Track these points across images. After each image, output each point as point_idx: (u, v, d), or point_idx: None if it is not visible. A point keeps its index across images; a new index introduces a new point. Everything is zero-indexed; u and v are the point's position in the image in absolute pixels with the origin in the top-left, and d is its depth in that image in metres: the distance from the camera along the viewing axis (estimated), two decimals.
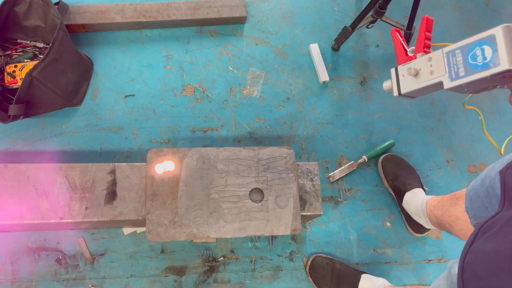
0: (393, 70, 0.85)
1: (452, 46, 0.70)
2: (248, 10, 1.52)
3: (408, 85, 0.80)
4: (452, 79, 0.69)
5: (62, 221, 1.01)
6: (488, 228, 0.52)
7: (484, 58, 0.63)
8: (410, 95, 0.83)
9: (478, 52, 0.64)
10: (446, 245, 1.31)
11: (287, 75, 1.46)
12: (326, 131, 1.39)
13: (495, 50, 0.62)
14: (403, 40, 0.85)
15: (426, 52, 0.79)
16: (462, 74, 0.67)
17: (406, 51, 0.83)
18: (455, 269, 0.60)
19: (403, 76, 0.81)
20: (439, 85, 0.73)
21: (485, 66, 0.63)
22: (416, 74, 0.77)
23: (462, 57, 0.67)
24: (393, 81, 0.84)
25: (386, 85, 0.88)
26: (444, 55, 0.71)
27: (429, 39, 0.79)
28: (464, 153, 1.44)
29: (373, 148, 1.37)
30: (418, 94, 0.81)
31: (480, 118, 0.83)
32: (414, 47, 0.82)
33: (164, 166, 1.04)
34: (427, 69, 0.75)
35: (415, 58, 0.80)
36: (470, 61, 0.65)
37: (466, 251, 0.52)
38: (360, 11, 1.33)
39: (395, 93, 0.84)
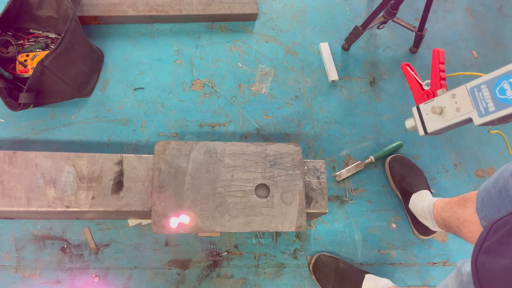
0: (414, 109, 0.81)
1: (476, 82, 0.67)
2: (259, 7, 1.52)
3: (434, 123, 0.77)
4: (481, 115, 0.66)
5: (69, 209, 1.02)
6: (501, 227, 0.52)
7: None
8: (437, 133, 0.79)
9: (506, 85, 0.62)
10: (452, 248, 1.30)
11: (296, 73, 1.45)
12: (334, 130, 1.39)
13: None
14: (415, 73, 0.82)
15: (443, 85, 0.76)
16: (492, 109, 0.64)
17: (421, 85, 0.80)
18: (465, 269, 0.59)
19: (427, 115, 0.78)
20: (468, 120, 0.70)
21: None
22: (441, 112, 0.74)
23: (489, 92, 0.65)
24: (417, 120, 0.81)
25: (408, 123, 0.85)
26: (469, 91, 0.69)
27: (443, 71, 0.77)
28: (472, 157, 1.43)
29: (381, 149, 1.36)
30: (446, 130, 0.78)
31: (503, 138, 0.82)
32: (429, 81, 0.79)
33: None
34: (452, 106, 0.72)
35: (435, 93, 0.77)
36: (498, 95, 0.63)
37: (478, 249, 0.52)
38: (371, 11, 1.33)
39: (421, 132, 0.80)
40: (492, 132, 0.78)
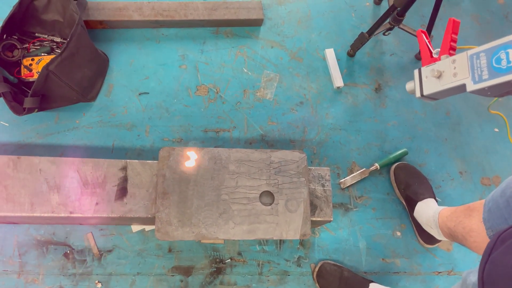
0: (416, 71, 0.85)
1: (477, 49, 0.69)
2: (265, 13, 1.52)
3: (431, 86, 0.80)
4: (475, 82, 0.68)
5: (72, 215, 1.01)
6: (508, 237, 0.51)
7: (509, 61, 0.62)
8: (433, 97, 0.82)
9: (502, 55, 0.63)
10: (457, 257, 1.29)
11: (302, 79, 1.45)
12: (339, 137, 1.38)
13: None
14: (428, 41, 0.84)
15: (451, 55, 0.78)
16: (485, 77, 0.66)
17: (431, 52, 0.83)
18: (470, 279, 0.59)
19: (426, 77, 0.81)
20: (462, 87, 0.72)
21: (510, 69, 0.62)
22: (439, 76, 0.77)
23: (486, 60, 0.66)
24: (416, 82, 0.84)
25: (409, 86, 0.88)
26: (468, 57, 0.71)
27: (454, 41, 0.79)
28: (478, 165, 1.42)
29: (386, 156, 1.35)
30: (441, 96, 0.81)
31: (504, 122, 0.82)
32: (439, 49, 0.81)
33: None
34: (450, 71, 0.74)
35: (440, 60, 0.80)
36: (494, 64, 0.65)
37: (486, 261, 0.51)
38: (377, 18, 1.32)
39: (418, 94, 0.84)
40: (493, 112, 0.80)
